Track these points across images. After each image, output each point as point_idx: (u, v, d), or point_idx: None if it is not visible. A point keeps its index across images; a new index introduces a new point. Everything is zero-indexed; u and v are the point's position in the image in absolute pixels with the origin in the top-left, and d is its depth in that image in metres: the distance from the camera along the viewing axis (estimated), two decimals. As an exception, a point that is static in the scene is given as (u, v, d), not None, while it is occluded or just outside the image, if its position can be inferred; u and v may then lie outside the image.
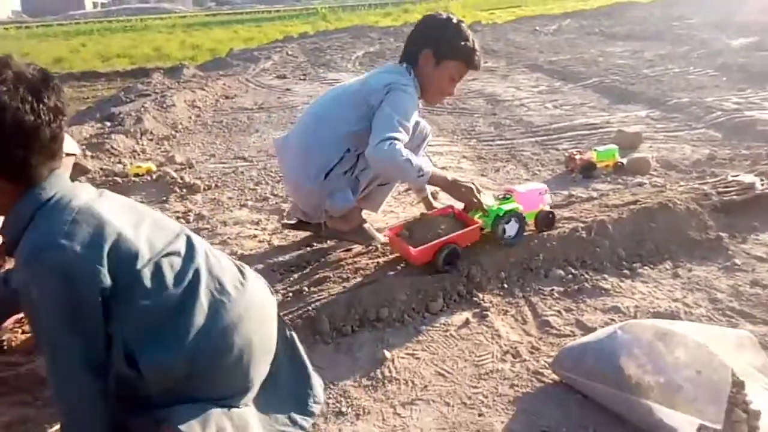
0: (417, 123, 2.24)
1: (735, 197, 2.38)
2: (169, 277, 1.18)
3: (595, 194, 2.76)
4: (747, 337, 1.31)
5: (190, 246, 1.27)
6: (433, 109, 5.21)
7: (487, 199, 2.13)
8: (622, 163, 3.10)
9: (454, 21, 2.19)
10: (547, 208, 2.20)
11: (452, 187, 2.11)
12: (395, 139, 1.96)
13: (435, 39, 2.17)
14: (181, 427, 1.11)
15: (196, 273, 1.23)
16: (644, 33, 9.83)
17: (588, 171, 3.06)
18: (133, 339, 1.14)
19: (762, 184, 2.46)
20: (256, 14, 31.87)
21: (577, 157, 3.14)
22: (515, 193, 2.15)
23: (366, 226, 2.39)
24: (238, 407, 1.26)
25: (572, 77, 6.27)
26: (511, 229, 2.06)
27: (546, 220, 2.17)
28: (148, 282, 1.14)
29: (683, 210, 2.24)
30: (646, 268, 2.05)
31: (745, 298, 1.82)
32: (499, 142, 4.00)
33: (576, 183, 3.02)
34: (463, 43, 2.15)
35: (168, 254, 1.20)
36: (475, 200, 2.07)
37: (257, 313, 1.33)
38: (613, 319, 1.75)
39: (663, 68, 6.31)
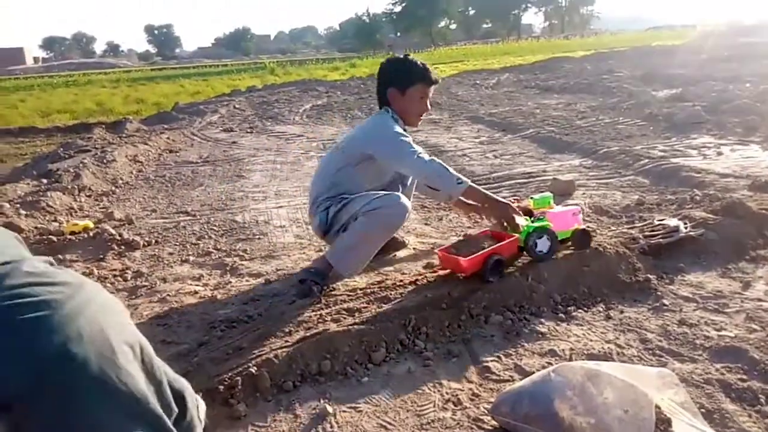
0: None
1: (661, 240, 2.51)
2: None
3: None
4: (668, 375, 1.37)
5: None
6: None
7: (520, 220, 2.32)
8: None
9: (400, 56, 2.61)
10: (583, 226, 2.39)
11: (490, 204, 2.37)
12: (418, 151, 2.34)
13: (392, 76, 2.57)
14: None
15: None
16: (577, 86, 10.43)
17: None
18: None
19: (686, 228, 2.61)
20: (203, 68, 32.07)
21: (515, 204, 3.25)
22: (548, 213, 2.35)
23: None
24: None
25: (511, 128, 6.55)
26: (543, 245, 2.26)
27: (582, 238, 2.35)
28: None
29: (613, 254, 2.35)
30: (580, 311, 2.12)
31: (673, 338, 1.91)
32: (442, 192, 4.10)
33: (515, 230, 3.12)
34: (413, 68, 2.54)
35: None
36: (511, 216, 2.29)
37: None
38: (550, 362, 1.79)
39: (594, 119, 6.69)
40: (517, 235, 2.27)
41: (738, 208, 2.76)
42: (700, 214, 2.76)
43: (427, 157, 2.34)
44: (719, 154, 4.55)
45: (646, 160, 4.32)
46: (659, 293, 2.21)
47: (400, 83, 2.55)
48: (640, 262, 2.35)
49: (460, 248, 2.30)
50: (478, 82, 13.35)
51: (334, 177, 2.55)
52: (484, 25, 79.88)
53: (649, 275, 2.30)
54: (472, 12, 77.17)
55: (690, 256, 2.49)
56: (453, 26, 74.32)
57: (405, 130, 2.57)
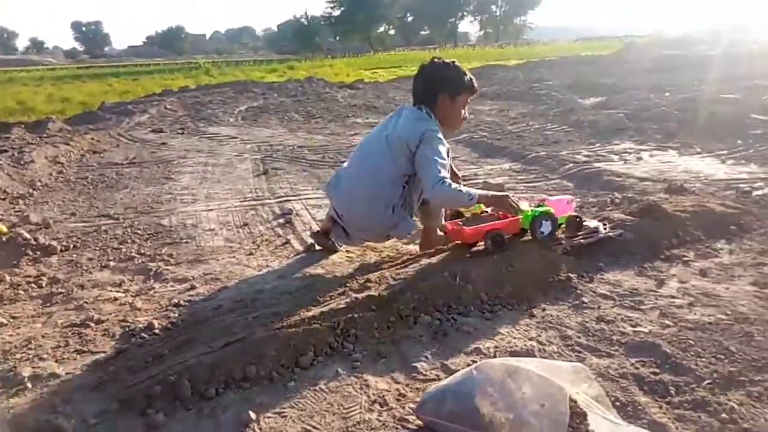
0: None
1: (582, 241, 2.60)
2: None
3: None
4: (582, 370, 1.41)
5: None
6: (315, 163, 5.28)
7: (523, 205, 2.55)
8: (486, 212, 3.29)
9: (452, 63, 2.67)
10: (575, 213, 2.68)
11: (495, 200, 2.58)
12: (444, 178, 2.41)
13: (446, 82, 2.64)
14: None
15: None
16: (509, 93, 10.74)
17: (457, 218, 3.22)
18: None
19: (605, 229, 2.72)
20: (133, 67, 30.92)
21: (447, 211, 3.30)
22: (548, 201, 2.63)
23: (440, 234, 2.80)
24: None
25: (446, 133, 6.64)
26: (546, 227, 2.49)
27: (575, 223, 2.63)
28: None
29: (537, 254, 2.42)
30: (505, 309, 2.17)
31: (591, 334, 1.98)
32: (376, 195, 4.10)
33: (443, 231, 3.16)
34: (465, 78, 2.65)
35: None
36: (512, 205, 2.52)
37: None
38: (474, 360, 1.81)
39: (524, 125, 6.91)
40: (519, 216, 2.51)
41: (654, 210, 2.90)
42: (619, 215, 2.89)
43: (446, 183, 2.41)
44: (639, 159, 4.79)
45: (571, 165, 4.49)
46: (579, 291, 2.29)
47: (453, 89, 2.63)
48: (562, 262, 2.44)
49: (466, 223, 2.59)
50: (415, 87, 13.50)
51: (403, 179, 2.61)
52: (422, 32, 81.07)
53: (570, 274, 2.38)
54: (410, 18, 78.16)
55: (609, 255, 2.60)
56: (392, 32, 75.03)
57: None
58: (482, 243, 2.47)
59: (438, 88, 2.63)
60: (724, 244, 2.75)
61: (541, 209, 2.52)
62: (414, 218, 2.72)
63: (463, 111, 2.71)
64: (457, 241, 2.61)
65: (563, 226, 2.62)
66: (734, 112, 6.25)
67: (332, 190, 2.82)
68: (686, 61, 14.57)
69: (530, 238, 2.53)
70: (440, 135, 2.55)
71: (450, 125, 2.70)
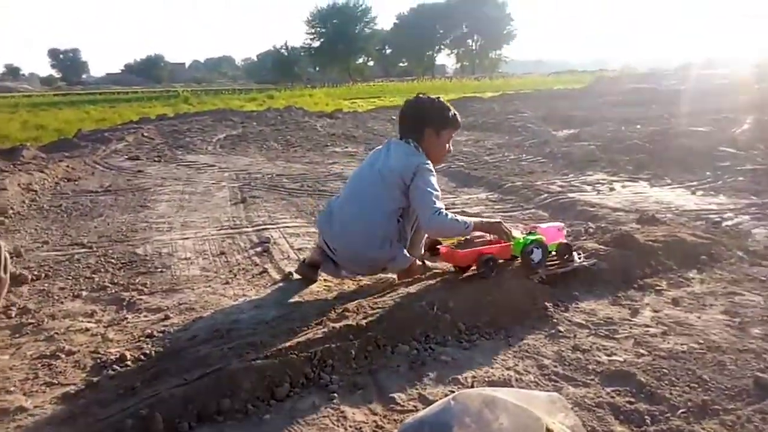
0: None
1: (557, 270, 2.64)
2: None
3: (438, 271, 2.91)
4: (558, 399, 1.42)
5: None
6: (294, 191, 5.28)
7: (516, 233, 2.61)
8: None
9: (437, 99, 2.80)
10: (565, 240, 2.73)
11: (488, 227, 2.64)
12: (440, 209, 2.50)
13: (432, 117, 2.75)
14: None
15: None
16: (486, 124, 10.94)
17: (433, 249, 3.23)
18: None
19: (580, 258, 2.76)
20: (111, 95, 30.76)
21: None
22: (539, 228, 2.66)
23: (419, 264, 2.86)
24: None
25: (424, 163, 6.72)
26: (537, 255, 2.53)
27: (565, 250, 2.68)
28: None
29: (515, 283, 2.44)
30: (483, 339, 2.17)
31: (567, 363, 1.99)
32: (354, 224, 4.11)
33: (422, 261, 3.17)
34: (449, 113, 2.76)
35: None
36: (505, 231, 2.59)
37: None
38: (452, 390, 1.81)
39: (501, 155, 7.02)
40: (511, 243, 2.57)
41: (627, 240, 2.95)
42: (593, 245, 2.93)
43: (443, 213, 2.51)
44: (611, 189, 4.90)
45: (546, 195, 4.57)
46: (555, 320, 2.31)
47: (438, 124, 2.73)
48: (538, 291, 2.46)
49: (460, 245, 2.62)
50: (393, 117, 13.63)
51: (398, 212, 2.67)
52: (401, 64, 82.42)
53: (546, 303, 2.40)
54: (389, 51, 79.55)
55: (583, 284, 2.63)
56: (371, 63, 76.15)
57: None
58: (474, 267, 2.53)
59: (424, 123, 2.73)
60: (695, 274, 2.80)
61: (532, 237, 2.56)
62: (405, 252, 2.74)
63: (447, 145, 2.81)
64: (449, 264, 2.70)
65: (553, 253, 2.66)
66: (703, 145, 6.45)
67: (324, 225, 2.84)
68: (656, 95, 15.05)
69: (516, 264, 2.60)
70: (431, 167, 2.64)
71: (435, 158, 2.76)
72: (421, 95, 2.84)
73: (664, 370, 1.90)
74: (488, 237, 2.67)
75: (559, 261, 2.67)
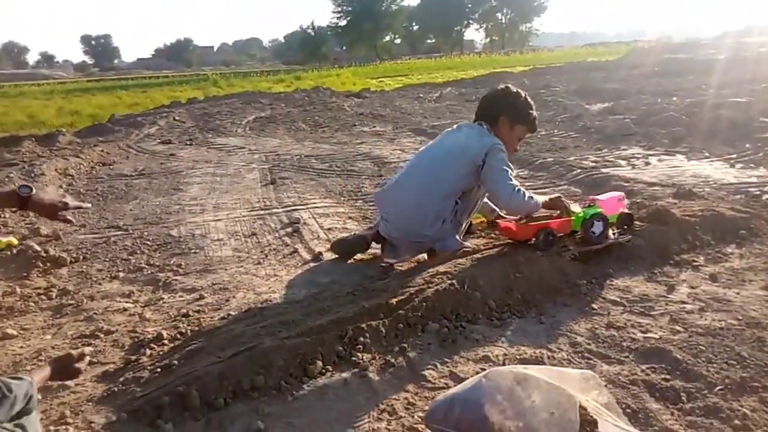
0: None
1: (591, 247, 2.59)
2: None
3: (469, 249, 2.89)
4: (592, 377, 1.40)
5: None
6: (322, 172, 5.30)
7: (575, 207, 2.65)
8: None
9: (524, 95, 2.80)
10: (627, 210, 2.77)
11: (550, 203, 2.68)
12: (517, 187, 2.56)
13: (512, 107, 2.76)
14: None
15: None
16: (516, 100, 10.71)
17: (491, 223, 3.22)
18: None
19: (614, 234, 2.71)
20: (142, 80, 31.22)
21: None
22: (598, 201, 2.67)
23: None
24: None
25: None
26: (597, 228, 2.57)
27: (626, 220, 2.73)
28: None
29: (546, 261, 2.41)
30: (514, 317, 2.16)
31: (601, 340, 1.96)
32: (383, 203, 4.10)
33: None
34: (529, 112, 2.77)
35: None
36: (565, 206, 2.64)
37: None
38: (483, 368, 1.81)
39: (532, 131, 6.87)
40: (572, 217, 2.60)
41: (663, 215, 2.88)
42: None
43: (521, 192, 2.56)
44: (647, 164, 4.77)
45: (579, 171, 4.47)
46: (588, 298, 2.28)
47: (514, 117, 2.75)
48: (570, 268, 2.42)
49: (520, 221, 2.67)
50: (421, 95, 13.54)
51: (458, 194, 2.69)
52: (428, 41, 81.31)
53: (579, 280, 2.37)
54: (416, 27, 78.43)
55: (618, 261, 2.58)
56: (398, 41, 75.30)
57: None
58: (533, 239, 2.55)
59: (502, 110, 2.75)
60: (734, 249, 2.72)
61: (592, 211, 2.59)
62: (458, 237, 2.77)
63: (518, 142, 2.84)
64: (509, 238, 2.70)
65: (614, 223, 2.69)
66: (742, 116, 6.21)
67: (384, 193, 2.91)
68: (692, 66, 14.53)
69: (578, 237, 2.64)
70: (503, 147, 2.65)
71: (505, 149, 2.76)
72: (509, 86, 2.85)
73: (701, 347, 1.86)
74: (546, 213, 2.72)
75: (627, 228, 2.72)
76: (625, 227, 2.72)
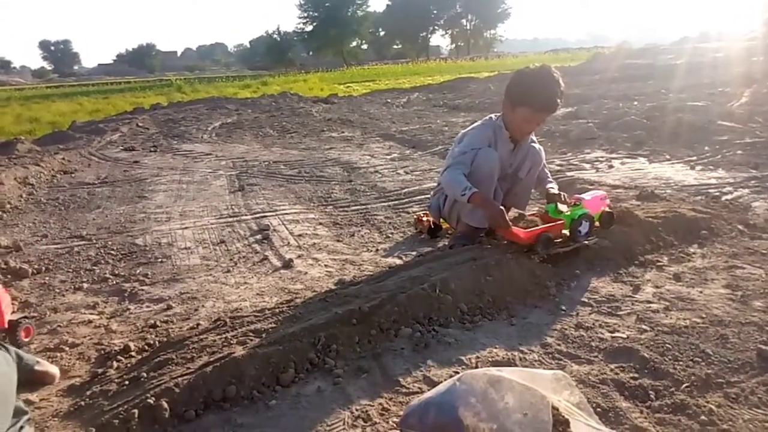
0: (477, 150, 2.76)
1: (559, 249, 2.63)
2: None
3: (440, 253, 2.91)
4: (563, 377, 1.42)
5: None
6: (291, 178, 5.26)
7: (562, 207, 2.69)
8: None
9: (533, 70, 2.65)
10: (608, 209, 2.80)
11: (484, 208, 2.61)
12: (448, 166, 2.71)
13: (510, 89, 2.70)
14: None
15: None
16: (482, 105, 10.87)
17: (435, 232, 3.24)
18: None
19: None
20: (103, 86, 30.51)
21: (425, 219, 3.32)
22: (583, 200, 2.72)
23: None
24: None
25: (421, 145, 6.70)
26: (584, 228, 2.64)
27: (608, 219, 2.79)
28: None
29: (515, 263, 2.44)
30: (485, 319, 2.18)
31: (570, 341, 1.99)
32: (354, 208, 4.10)
33: (424, 243, 3.18)
34: (532, 91, 2.61)
35: None
36: (500, 224, 2.54)
37: None
38: (457, 371, 1.82)
39: (499, 135, 6.96)
40: (563, 220, 2.64)
41: (627, 217, 2.95)
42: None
43: (454, 170, 2.66)
44: (610, 167, 4.88)
45: (546, 174, 4.54)
46: (557, 299, 2.32)
47: (513, 99, 2.70)
48: (539, 270, 2.46)
49: (515, 223, 2.66)
50: (389, 100, 13.59)
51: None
52: (395, 46, 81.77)
53: (548, 282, 2.41)
54: (382, 33, 78.80)
55: (585, 262, 2.63)
56: (364, 47, 75.49)
57: (511, 138, 2.82)
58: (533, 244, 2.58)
59: (506, 92, 2.75)
60: (696, 249, 2.80)
61: (579, 212, 2.65)
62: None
63: (526, 124, 2.74)
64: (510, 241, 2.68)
65: (597, 222, 2.75)
66: (701, 120, 6.41)
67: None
68: (652, 71, 14.95)
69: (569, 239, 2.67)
70: (482, 134, 2.78)
71: (513, 132, 2.81)
72: (532, 66, 2.74)
73: (668, 345, 1.91)
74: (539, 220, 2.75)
75: (604, 227, 2.79)
76: (607, 225, 2.79)
